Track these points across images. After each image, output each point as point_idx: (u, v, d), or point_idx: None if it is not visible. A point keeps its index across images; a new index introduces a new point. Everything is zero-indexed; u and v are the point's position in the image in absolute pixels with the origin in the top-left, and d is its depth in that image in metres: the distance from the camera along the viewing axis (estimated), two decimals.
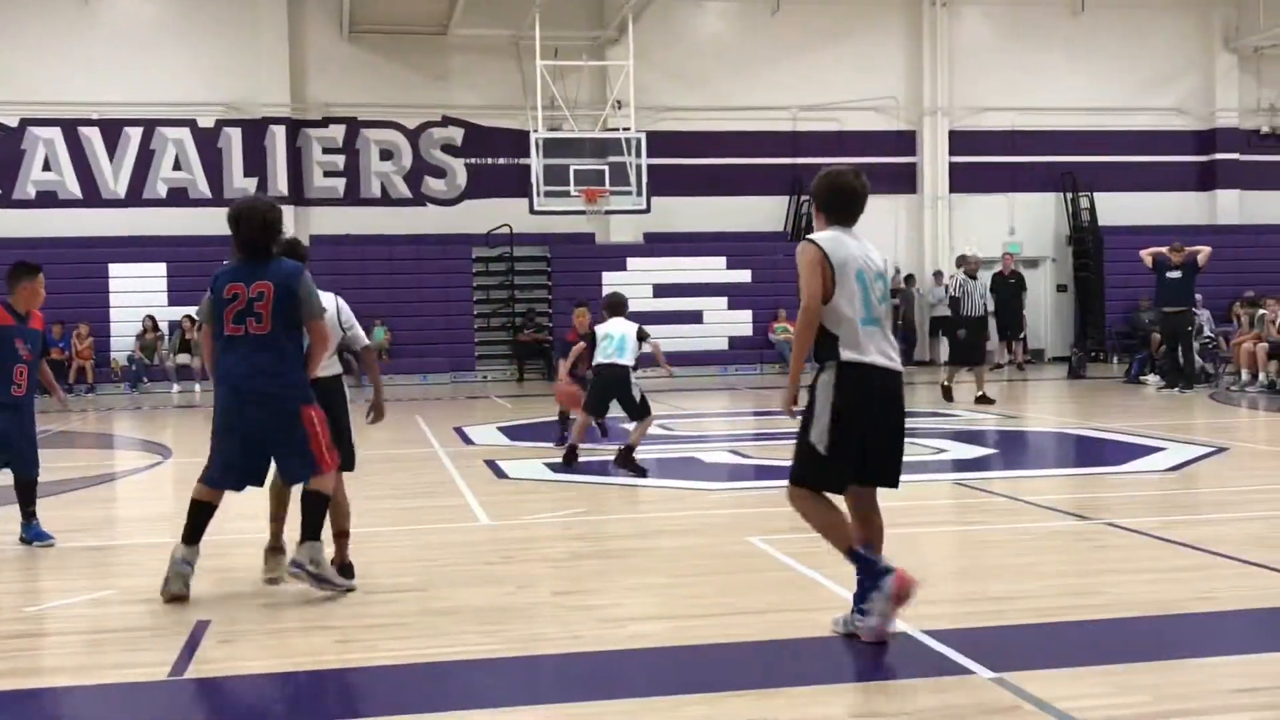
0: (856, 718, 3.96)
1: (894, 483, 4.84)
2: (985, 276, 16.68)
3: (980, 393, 15.68)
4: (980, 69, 25.29)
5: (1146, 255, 18.23)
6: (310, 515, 5.65)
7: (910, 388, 20.20)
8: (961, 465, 10.48)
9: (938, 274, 24.66)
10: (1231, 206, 26.05)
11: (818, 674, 4.58)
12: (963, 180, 25.40)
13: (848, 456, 4.68)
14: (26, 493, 7.15)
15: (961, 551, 7.04)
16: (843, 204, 4.99)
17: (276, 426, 5.61)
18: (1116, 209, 25.12)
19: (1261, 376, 17.30)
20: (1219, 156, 26.13)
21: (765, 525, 6.97)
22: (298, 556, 5.64)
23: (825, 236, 4.88)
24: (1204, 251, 18.05)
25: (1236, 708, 4.00)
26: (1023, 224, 25.67)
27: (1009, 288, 21.08)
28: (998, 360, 20.89)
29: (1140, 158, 25.90)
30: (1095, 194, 25.34)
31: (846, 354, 4.67)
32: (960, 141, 25.38)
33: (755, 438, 13.46)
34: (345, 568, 5.90)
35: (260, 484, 5.89)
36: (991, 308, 16.74)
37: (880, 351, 4.73)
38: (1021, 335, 22.66)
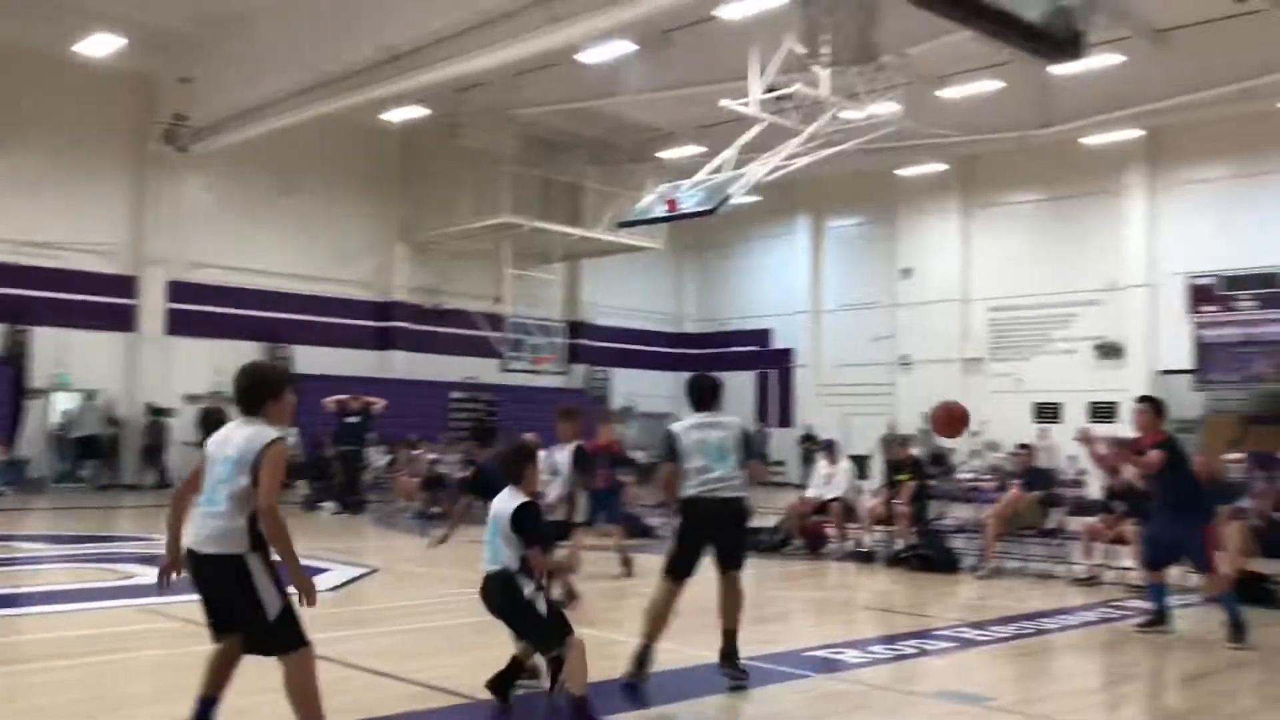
0: None
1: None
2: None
3: None
4: (200, 231, 24.82)
5: (331, 402, 18.94)
6: None
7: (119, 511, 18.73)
8: (145, 590, 9.92)
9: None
10: (402, 364, 27.99)
11: None
12: (179, 324, 24.60)
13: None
14: None
15: (142, 677, 6.65)
16: (235, 395, 4.79)
17: None
18: (313, 359, 25.83)
19: (414, 504, 18.61)
20: (393, 324, 28.10)
21: None
22: None
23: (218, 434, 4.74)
24: (379, 403, 19.19)
25: None
26: (231, 366, 25.32)
27: (214, 422, 20.86)
28: None
29: (332, 319, 27.00)
30: (295, 345, 25.90)
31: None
32: (179, 291, 24.63)
33: None
34: None
35: None
36: None
37: (194, 532, 4.57)
38: None
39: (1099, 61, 19.64)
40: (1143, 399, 9.06)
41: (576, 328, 30.79)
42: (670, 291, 34.82)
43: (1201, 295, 25.40)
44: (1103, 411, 26.48)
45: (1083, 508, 13.19)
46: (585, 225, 28.14)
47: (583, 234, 27.77)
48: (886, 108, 19.92)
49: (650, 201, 19.89)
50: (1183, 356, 25.41)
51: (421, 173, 28.07)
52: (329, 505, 18.76)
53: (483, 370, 28.31)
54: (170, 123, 23.52)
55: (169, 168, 24.29)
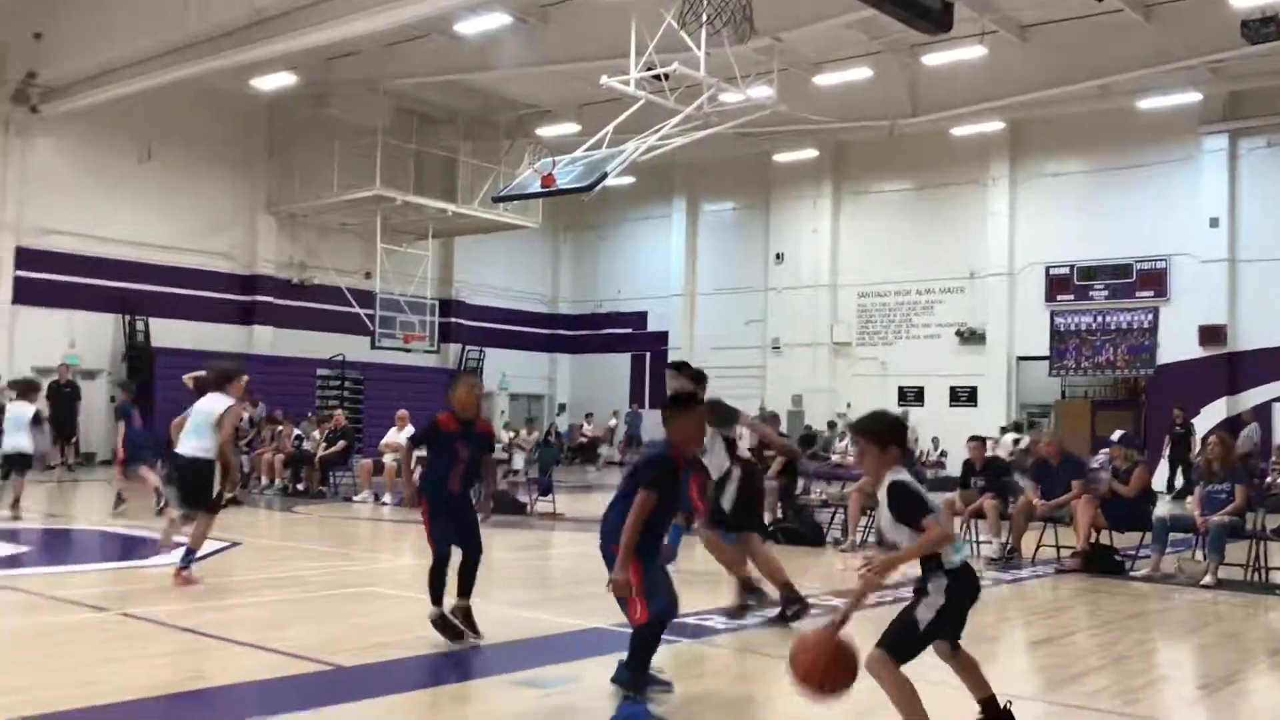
0: None
1: None
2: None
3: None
4: (52, 196, 23.60)
5: (188, 379, 18.23)
6: None
7: None
8: None
9: None
10: (266, 340, 27.17)
11: None
12: (28, 293, 23.39)
13: None
14: None
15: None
16: None
17: None
18: (169, 332, 24.89)
19: (277, 481, 18.14)
20: (258, 298, 27.22)
21: None
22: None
23: None
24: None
25: None
26: (83, 339, 24.27)
27: (64, 396, 20.51)
28: (50, 462, 19.87)
29: (193, 291, 26.03)
30: (151, 319, 24.90)
31: None
32: (27, 258, 23.41)
33: None
34: None
35: None
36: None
37: None
38: (74, 439, 22.06)
39: (965, 53, 20.22)
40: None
41: (449, 306, 30.40)
42: (545, 272, 34.65)
43: (1058, 285, 26.46)
44: (963, 395, 27.38)
45: (942, 484, 13.61)
46: (459, 201, 27.76)
47: (456, 210, 27.39)
48: (762, 91, 20.14)
49: (526, 177, 19.74)
50: (1040, 343, 26.44)
51: (290, 144, 27.27)
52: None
53: (351, 347, 27.70)
54: (20, 82, 22.35)
55: (19, 129, 23.07)
